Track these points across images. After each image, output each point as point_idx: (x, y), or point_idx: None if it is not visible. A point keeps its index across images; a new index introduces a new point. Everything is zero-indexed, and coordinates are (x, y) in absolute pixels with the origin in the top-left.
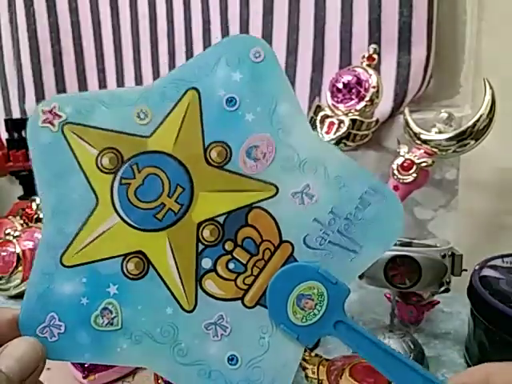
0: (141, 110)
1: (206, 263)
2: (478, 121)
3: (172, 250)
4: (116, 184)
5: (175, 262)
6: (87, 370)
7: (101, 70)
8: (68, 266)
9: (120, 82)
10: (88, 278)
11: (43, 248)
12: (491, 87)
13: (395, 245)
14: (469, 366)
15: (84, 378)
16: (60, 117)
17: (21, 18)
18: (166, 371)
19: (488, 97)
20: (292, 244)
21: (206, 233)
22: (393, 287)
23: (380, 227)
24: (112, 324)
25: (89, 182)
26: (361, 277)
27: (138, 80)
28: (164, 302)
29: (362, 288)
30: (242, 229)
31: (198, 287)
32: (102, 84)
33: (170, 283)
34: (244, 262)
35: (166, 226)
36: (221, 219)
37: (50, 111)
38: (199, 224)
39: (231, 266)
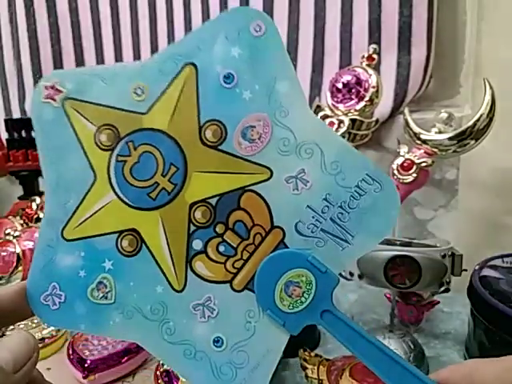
0: (138, 86)
1: (197, 244)
2: (478, 121)
3: (164, 229)
4: (113, 161)
5: (167, 242)
6: (87, 369)
7: None
8: (68, 240)
9: None
10: (86, 252)
11: (46, 221)
12: (491, 87)
13: (395, 245)
14: None
15: (84, 378)
16: (61, 92)
17: (21, 17)
18: (153, 348)
19: (488, 97)
20: (283, 230)
21: (198, 214)
22: (393, 287)
23: (374, 218)
24: (106, 298)
25: (87, 159)
26: (361, 277)
27: None
28: (155, 280)
29: (362, 288)
30: (233, 212)
31: (188, 268)
32: None
33: (161, 262)
34: (234, 246)
35: (159, 206)
36: (213, 201)
37: (52, 87)
38: (191, 205)
39: (221, 248)
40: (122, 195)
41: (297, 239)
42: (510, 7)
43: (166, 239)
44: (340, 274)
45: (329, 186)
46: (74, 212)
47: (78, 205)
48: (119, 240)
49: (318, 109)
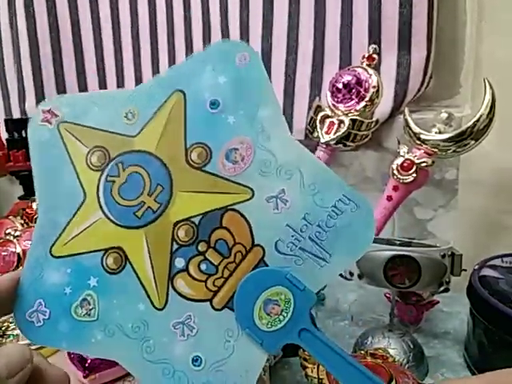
0: (129, 111)
1: (179, 262)
2: (478, 121)
3: (148, 247)
4: (102, 181)
5: (150, 260)
6: (88, 369)
7: (101, 70)
8: (56, 257)
9: (120, 82)
10: (72, 269)
11: (37, 238)
12: (491, 87)
13: (395, 244)
14: (468, 365)
15: (85, 377)
16: (57, 116)
17: (21, 18)
18: (132, 367)
19: (488, 97)
20: (263, 248)
21: (181, 233)
22: (392, 287)
23: (351, 236)
24: (89, 315)
25: (78, 178)
26: (360, 276)
27: (138, 80)
28: (137, 298)
29: (362, 288)
30: (216, 230)
31: (170, 286)
32: (102, 84)
33: (144, 280)
34: (216, 264)
35: (144, 224)
36: (196, 220)
37: (49, 111)
38: (175, 223)
39: (203, 266)
40: (109, 214)
41: (276, 257)
42: (510, 7)
43: (150, 257)
44: (340, 275)
45: (307, 206)
46: (64, 229)
47: (68, 223)
48: (104, 257)
49: (319, 109)
